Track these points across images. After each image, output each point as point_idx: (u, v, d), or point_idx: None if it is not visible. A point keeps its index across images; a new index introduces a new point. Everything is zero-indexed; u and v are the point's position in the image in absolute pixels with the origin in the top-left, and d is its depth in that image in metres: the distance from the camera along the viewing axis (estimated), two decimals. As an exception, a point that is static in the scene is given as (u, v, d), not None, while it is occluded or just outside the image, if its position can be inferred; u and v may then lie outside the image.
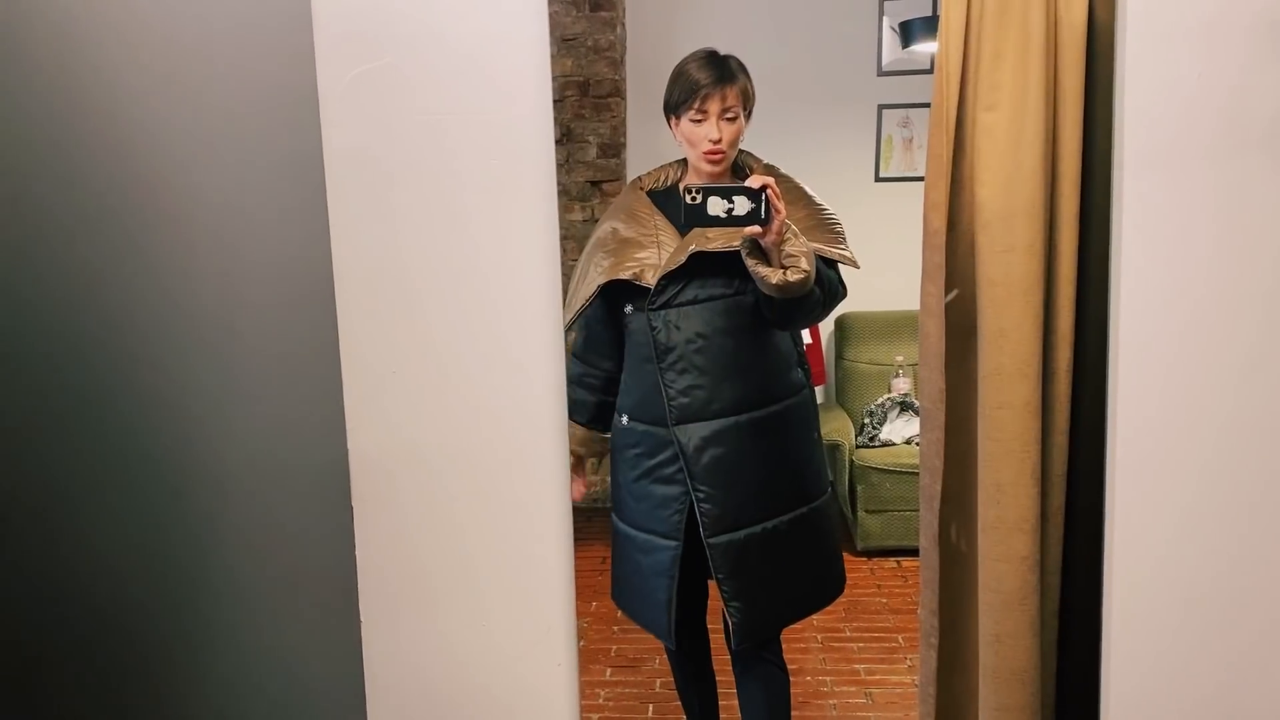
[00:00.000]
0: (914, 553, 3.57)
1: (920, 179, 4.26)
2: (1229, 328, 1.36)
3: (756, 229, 1.70)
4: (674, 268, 1.91)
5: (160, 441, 1.28)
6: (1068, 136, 1.57)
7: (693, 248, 1.89)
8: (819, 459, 2.11)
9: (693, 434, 1.93)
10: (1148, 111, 1.30)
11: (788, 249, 1.76)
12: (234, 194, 1.26)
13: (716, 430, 1.93)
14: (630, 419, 2.03)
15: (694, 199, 1.67)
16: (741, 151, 2.03)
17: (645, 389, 1.99)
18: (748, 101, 1.94)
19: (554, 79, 4.28)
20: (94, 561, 1.23)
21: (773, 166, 2.06)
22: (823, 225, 1.97)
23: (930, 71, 4.26)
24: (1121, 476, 1.43)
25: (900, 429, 3.84)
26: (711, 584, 2.07)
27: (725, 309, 1.92)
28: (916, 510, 3.66)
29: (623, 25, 4.33)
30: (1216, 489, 1.42)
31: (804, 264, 1.75)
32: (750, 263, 1.76)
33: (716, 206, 1.67)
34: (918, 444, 3.76)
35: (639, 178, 2.12)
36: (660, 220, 2.00)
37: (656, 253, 1.96)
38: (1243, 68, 1.28)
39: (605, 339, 2.11)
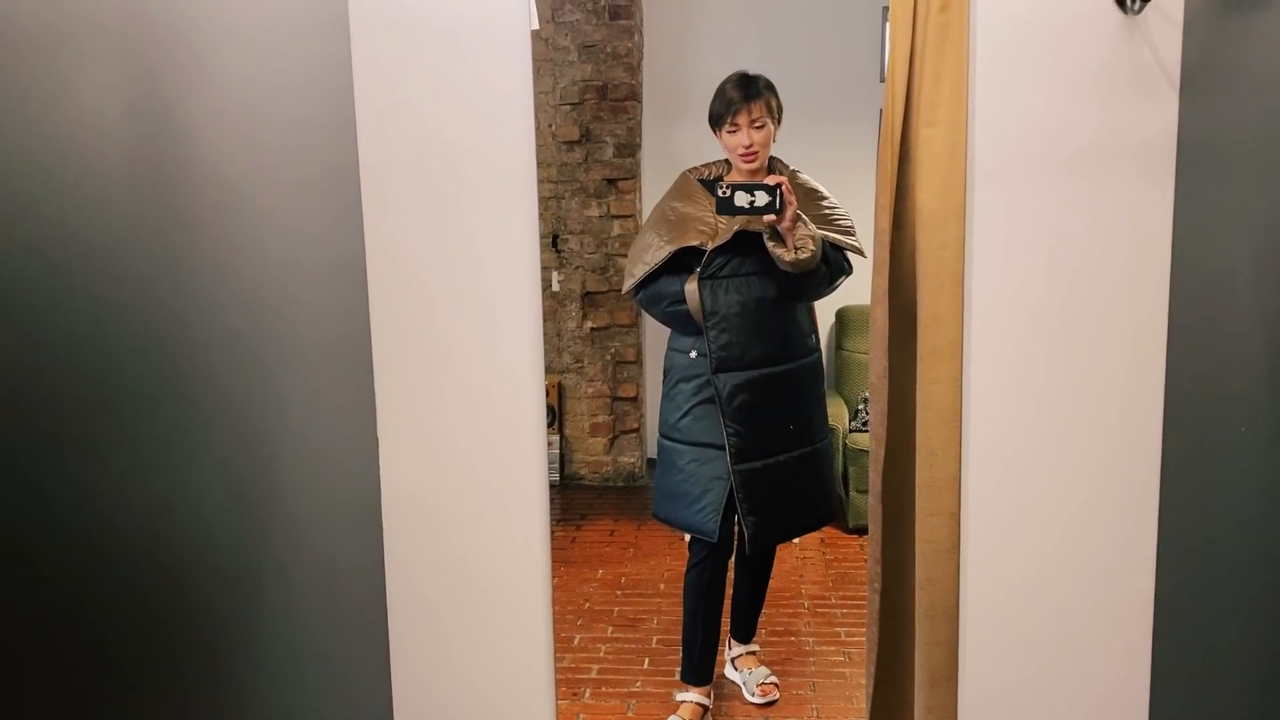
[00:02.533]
0: (901, 531, 3.82)
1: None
2: (1058, 316, 1.66)
3: (773, 216, 2.19)
4: (723, 242, 2.36)
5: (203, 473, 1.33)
6: (997, 149, 1.82)
7: (737, 228, 2.33)
8: (822, 411, 2.58)
9: (727, 382, 2.38)
10: (992, 136, 1.57)
11: (799, 233, 2.26)
12: (281, 241, 1.49)
13: (747, 380, 2.39)
14: (697, 354, 2.45)
15: (725, 193, 2.17)
16: (772, 157, 2.50)
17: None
18: (774, 113, 2.40)
19: (574, 83, 4.56)
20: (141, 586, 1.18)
21: (796, 170, 2.52)
22: (831, 219, 2.44)
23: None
24: (975, 441, 1.68)
25: (893, 416, 4.07)
26: None
27: (760, 283, 2.38)
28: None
29: (640, 33, 4.59)
30: (1054, 446, 1.69)
31: (811, 246, 2.26)
32: (769, 245, 2.27)
33: (742, 199, 2.17)
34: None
35: (692, 168, 2.56)
36: (710, 202, 2.42)
37: (713, 225, 2.41)
38: (1065, 104, 1.57)
39: (668, 293, 2.47)
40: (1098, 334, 1.62)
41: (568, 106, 4.58)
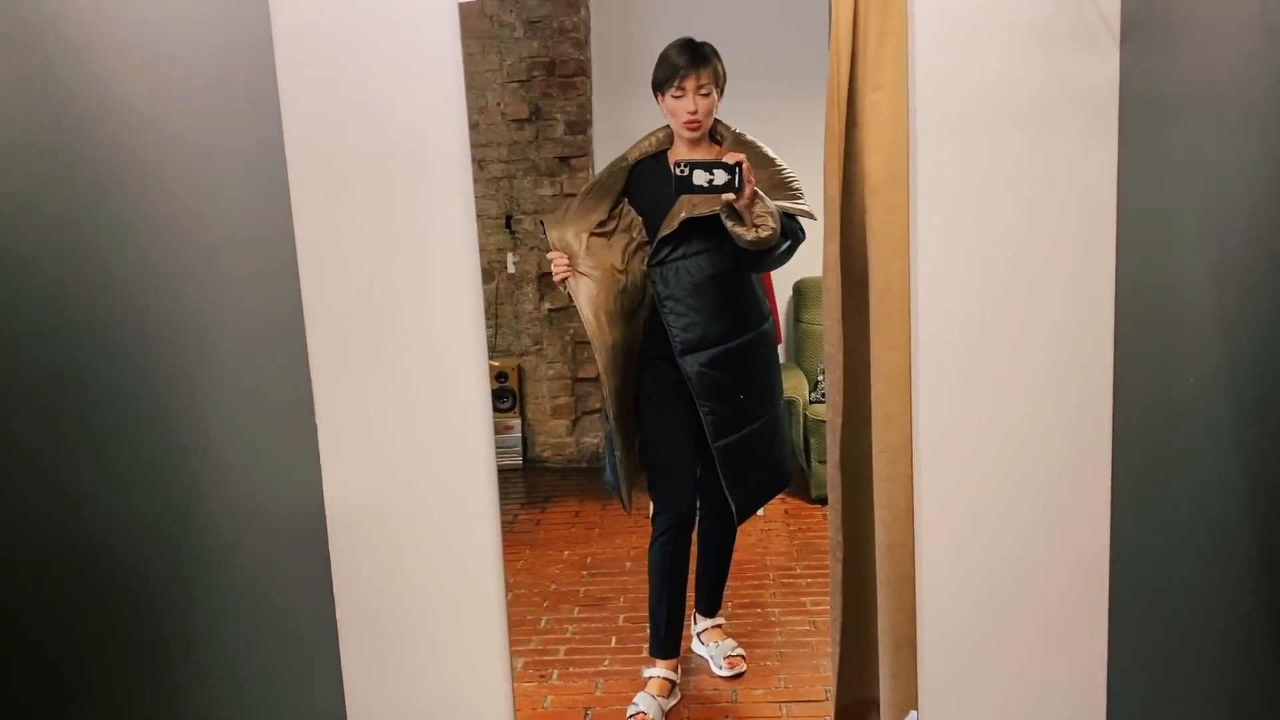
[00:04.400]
0: (864, 499, 3.83)
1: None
2: (1006, 273, 1.64)
3: (732, 196, 2.12)
4: (668, 231, 2.33)
5: (137, 478, 1.28)
6: (943, 110, 1.80)
7: (683, 215, 2.31)
8: (779, 377, 2.63)
9: (694, 363, 2.38)
10: (934, 94, 1.54)
11: (757, 210, 2.18)
12: (204, 202, 1.45)
13: (712, 357, 2.38)
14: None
15: (683, 172, 2.09)
16: (716, 121, 2.43)
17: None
18: (719, 80, 2.36)
19: (521, 60, 4.49)
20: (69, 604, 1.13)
21: (741, 134, 2.45)
22: (783, 184, 2.39)
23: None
24: (924, 418, 1.67)
25: (852, 385, 4.08)
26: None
27: (710, 259, 2.36)
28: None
29: (586, 7, 4.53)
30: (999, 403, 1.68)
31: (770, 222, 2.20)
32: (729, 224, 2.21)
33: (700, 178, 2.09)
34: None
35: (626, 153, 2.51)
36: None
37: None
38: (1006, 59, 1.54)
39: None
40: (1046, 290, 1.61)
41: (516, 84, 4.51)
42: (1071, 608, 1.70)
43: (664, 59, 2.33)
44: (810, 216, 2.38)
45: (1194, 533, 1.37)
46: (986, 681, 1.73)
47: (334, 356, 1.68)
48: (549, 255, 2.39)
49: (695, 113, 2.32)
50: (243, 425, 1.52)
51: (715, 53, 2.36)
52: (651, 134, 2.50)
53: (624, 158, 2.48)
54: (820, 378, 4.17)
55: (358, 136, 1.60)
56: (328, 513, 1.73)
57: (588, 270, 2.35)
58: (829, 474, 2.00)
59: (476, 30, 4.49)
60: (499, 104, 4.54)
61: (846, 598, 2.01)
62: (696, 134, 2.36)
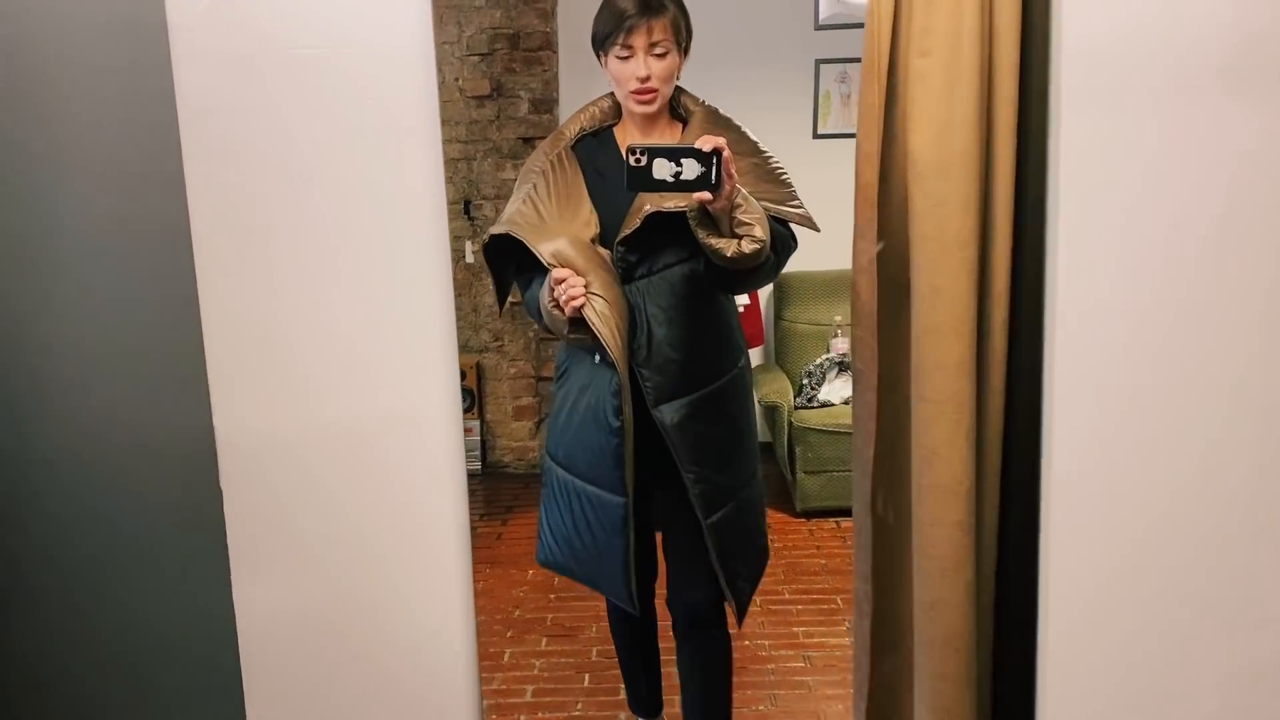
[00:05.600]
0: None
1: (859, 135, 4.24)
2: (1172, 282, 1.30)
3: (706, 195, 1.56)
4: (629, 232, 1.75)
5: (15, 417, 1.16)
6: (1003, 81, 1.49)
7: (648, 208, 1.71)
8: (755, 422, 2.04)
9: (673, 415, 1.80)
10: (1088, 46, 1.22)
11: (740, 215, 1.62)
12: (77, 145, 1.14)
13: (693, 405, 1.82)
14: (602, 359, 1.78)
15: (638, 161, 1.52)
16: (679, 90, 1.87)
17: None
18: (681, 36, 1.78)
19: (482, 32, 4.12)
20: None
21: (714, 108, 1.88)
22: (771, 175, 1.82)
23: (868, 25, 4.19)
24: (1059, 438, 1.37)
25: (839, 389, 3.80)
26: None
27: (684, 277, 1.79)
28: (856, 470, 3.64)
29: (553, -25, 4.17)
30: (1155, 452, 1.37)
31: (758, 232, 1.62)
32: (701, 234, 1.63)
33: (663, 169, 1.52)
34: (857, 404, 3.74)
35: (561, 129, 1.92)
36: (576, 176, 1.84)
37: (585, 214, 1.81)
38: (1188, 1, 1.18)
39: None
40: (1236, 304, 1.26)
41: (475, 58, 4.15)
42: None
43: (606, 5, 1.77)
44: (809, 224, 1.81)
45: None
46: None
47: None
48: (556, 275, 1.69)
49: (647, 79, 1.74)
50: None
51: (678, 0, 1.79)
52: (591, 104, 1.91)
53: (560, 134, 1.89)
54: (805, 381, 3.88)
55: (274, 88, 1.25)
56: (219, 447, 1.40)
57: (599, 288, 1.72)
58: (855, 515, 1.70)
59: (433, -2, 4.11)
60: (457, 79, 4.18)
61: (875, 662, 1.71)
62: (650, 107, 1.79)
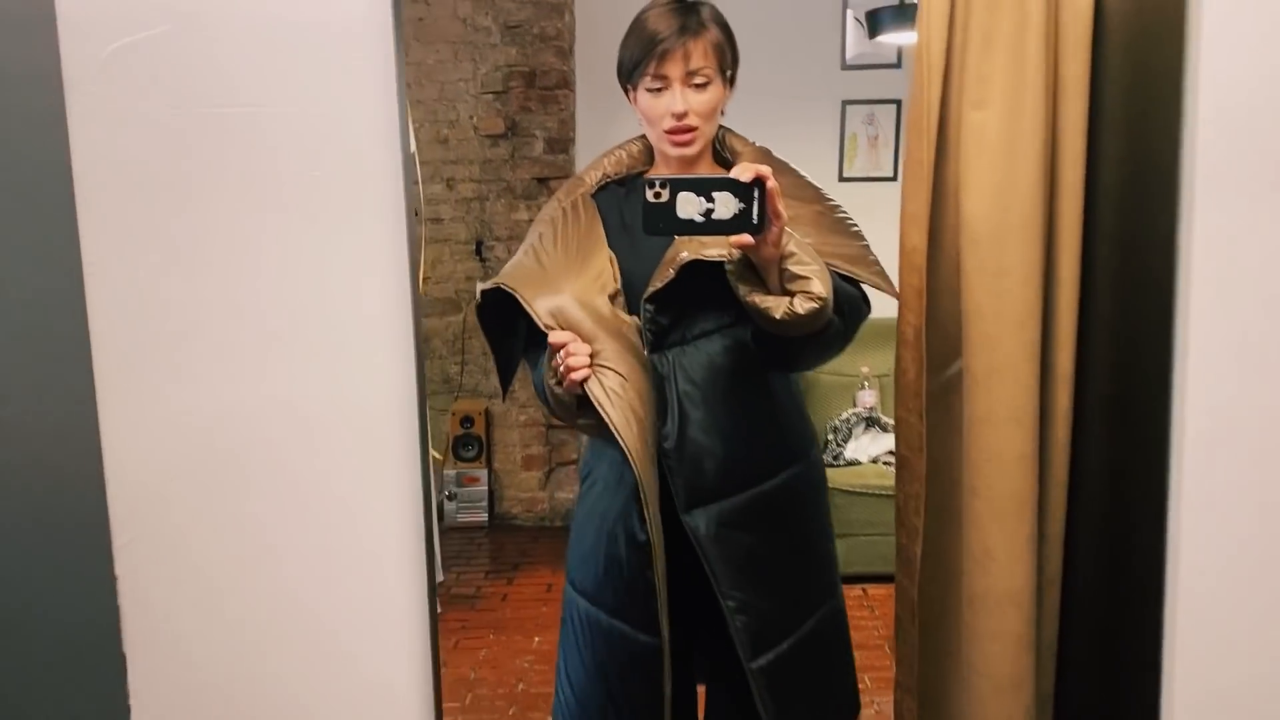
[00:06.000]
0: (882, 579, 3.35)
1: (886, 179, 4.08)
2: None
3: (747, 239, 1.22)
4: (661, 286, 1.41)
5: None
6: (1070, 139, 1.33)
7: (685, 256, 1.38)
8: (832, 532, 1.62)
9: (707, 522, 1.43)
10: (1231, 113, 1.03)
11: (792, 266, 1.27)
12: None
13: (737, 511, 1.44)
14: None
15: (658, 195, 1.21)
16: (725, 131, 1.55)
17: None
18: (725, 62, 1.45)
19: (497, 69, 4.00)
20: None
21: (766, 149, 1.55)
22: (838, 226, 1.48)
23: (898, 66, 4.03)
24: (1186, 563, 1.14)
25: (866, 446, 3.61)
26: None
27: (726, 347, 1.45)
28: (884, 535, 3.42)
29: (571, 12, 4.05)
30: None
31: (817, 288, 1.26)
32: (742, 290, 1.30)
33: (690, 206, 1.21)
34: (885, 463, 3.53)
35: (581, 174, 1.61)
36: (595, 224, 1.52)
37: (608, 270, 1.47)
38: None
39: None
40: None
41: (490, 95, 4.02)
42: None
43: (635, 28, 1.45)
44: (887, 289, 1.44)
45: None
46: None
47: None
48: (555, 340, 1.36)
49: (684, 115, 1.42)
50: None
51: (718, 18, 1.46)
52: (618, 147, 1.60)
53: (580, 180, 1.58)
54: (831, 437, 3.69)
55: (185, 149, 1.08)
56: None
57: (612, 359, 1.37)
58: (898, 619, 1.51)
59: (448, 34, 4.00)
60: (471, 117, 4.05)
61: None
62: (689, 149, 1.46)
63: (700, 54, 1.40)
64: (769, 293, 1.30)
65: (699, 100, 1.42)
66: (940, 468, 1.43)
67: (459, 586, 3.62)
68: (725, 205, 1.21)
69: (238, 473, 1.12)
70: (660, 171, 1.55)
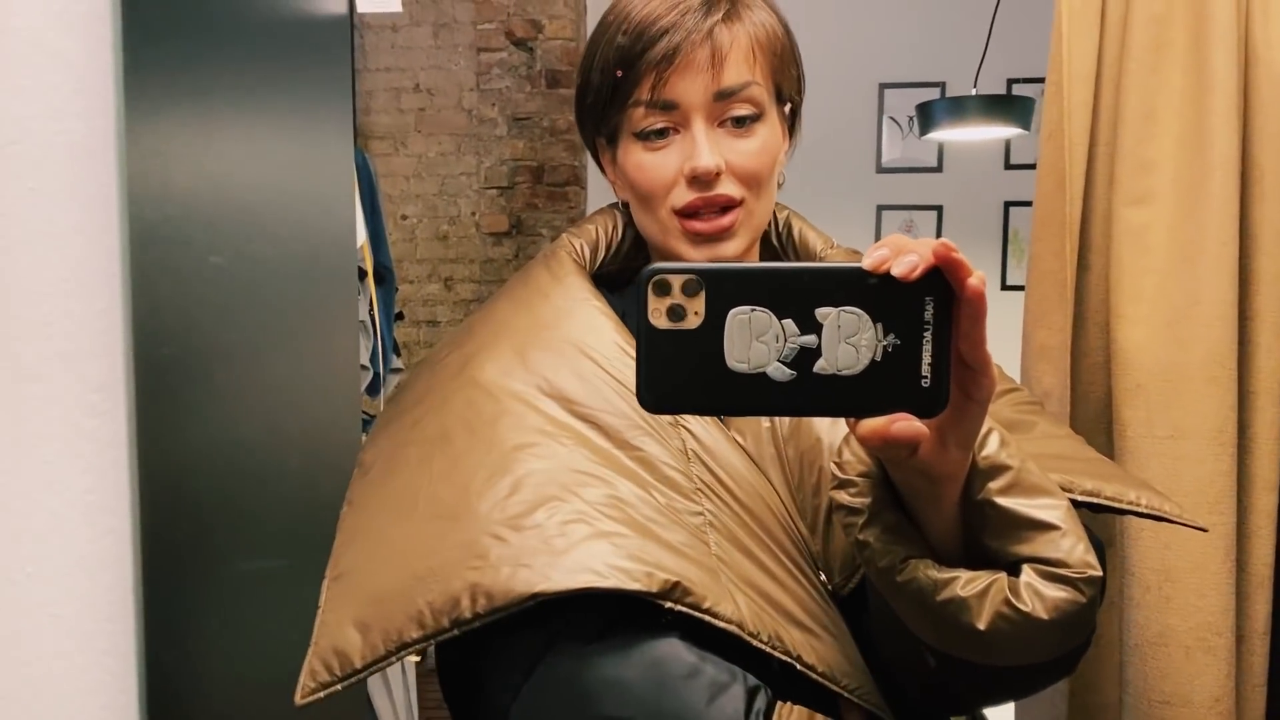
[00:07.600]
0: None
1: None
2: None
3: (908, 424, 0.51)
4: None
5: None
6: (1268, 246, 0.96)
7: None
8: None
9: None
10: None
11: (1017, 503, 0.57)
12: None
13: None
14: None
15: (676, 313, 0.49)
16: (791, 216, 0.90)
17: None
18: (787, 79, 0.77)
19: (503, 163, 3.71)
20: None
21: (855, 252, 0.85)
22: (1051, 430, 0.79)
23: (939, 170, 3.73)
24: None
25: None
26: None
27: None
28: None
29: (585, 105, 3.79)
30: None
31: (1075, 550, 0.56)
32: (878, 546, 0.58)
33: (762, 351, 0.49)
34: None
35: (553, 252, 0.88)
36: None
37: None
38: None
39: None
40: None
41: (494, 191, 3.73)
42: None
43: (615, 22, 0.73)
44: (1196, 527, 0.74)
45: None
46: None
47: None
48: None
49: (714, 175, 0.71)
50: None
51: (776, 12, 0.75)
52: (589, 223, 0.88)
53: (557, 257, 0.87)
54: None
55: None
56: None
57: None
58: None
59: (452, 126, 3.73)
60: (473, 213, 3.75)
61: None
62: (727, 245, 0.74)
63: (741, 56, 0.71)
64: (948, 558, 0.58)
65: (741, 149, 0.72)
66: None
67: None
68: (848, 337, 0.49)
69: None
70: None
